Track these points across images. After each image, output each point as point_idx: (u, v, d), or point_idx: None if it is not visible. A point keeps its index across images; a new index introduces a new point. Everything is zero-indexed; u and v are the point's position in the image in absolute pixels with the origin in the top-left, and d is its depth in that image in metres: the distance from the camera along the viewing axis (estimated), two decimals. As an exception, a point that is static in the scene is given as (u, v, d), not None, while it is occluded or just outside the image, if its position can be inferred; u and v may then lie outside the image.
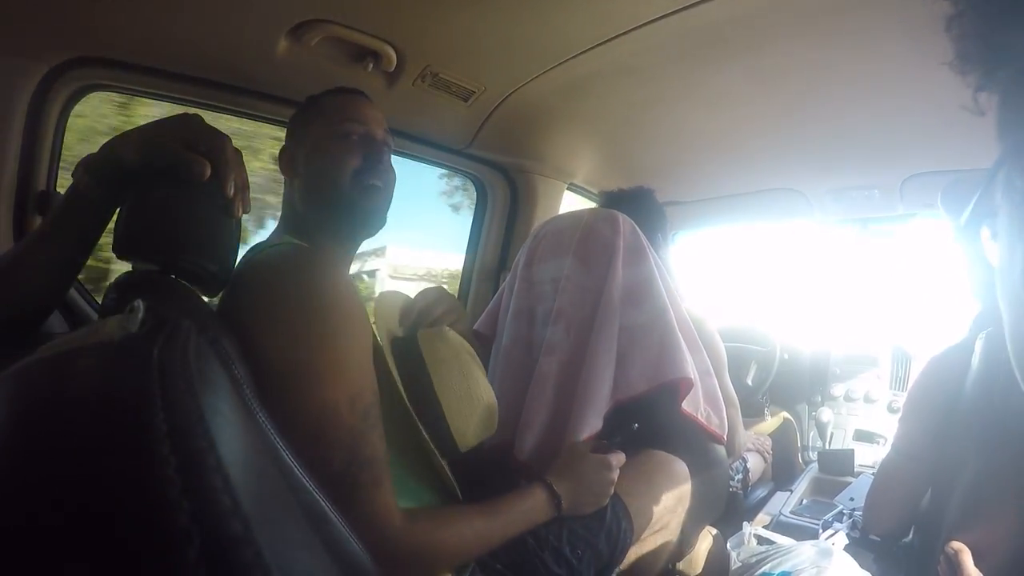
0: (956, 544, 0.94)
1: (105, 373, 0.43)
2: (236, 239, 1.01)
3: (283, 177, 1.28)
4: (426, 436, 1.09)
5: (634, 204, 1.79)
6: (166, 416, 0.30)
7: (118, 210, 0.93)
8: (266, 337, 0.90)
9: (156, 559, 0.23)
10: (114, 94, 1.53)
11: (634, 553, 1.34)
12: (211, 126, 0.92)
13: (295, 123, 1.29)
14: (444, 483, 1.13)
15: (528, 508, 1.15)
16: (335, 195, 1.19)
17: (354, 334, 0.96)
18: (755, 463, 2.09)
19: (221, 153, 0.89)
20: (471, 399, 1.19)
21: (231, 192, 0.90)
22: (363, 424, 0.92)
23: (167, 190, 0.90)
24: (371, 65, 1.46)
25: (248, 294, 0.97)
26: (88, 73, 1.32)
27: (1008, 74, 0.39)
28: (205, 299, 1.03)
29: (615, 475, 1.25)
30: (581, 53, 1.48)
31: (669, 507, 1.40)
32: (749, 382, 2.44)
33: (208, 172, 0.87)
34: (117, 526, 0.25)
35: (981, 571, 0.92)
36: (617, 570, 1.28)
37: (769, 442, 2.29)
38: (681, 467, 1.45)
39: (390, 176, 1.27)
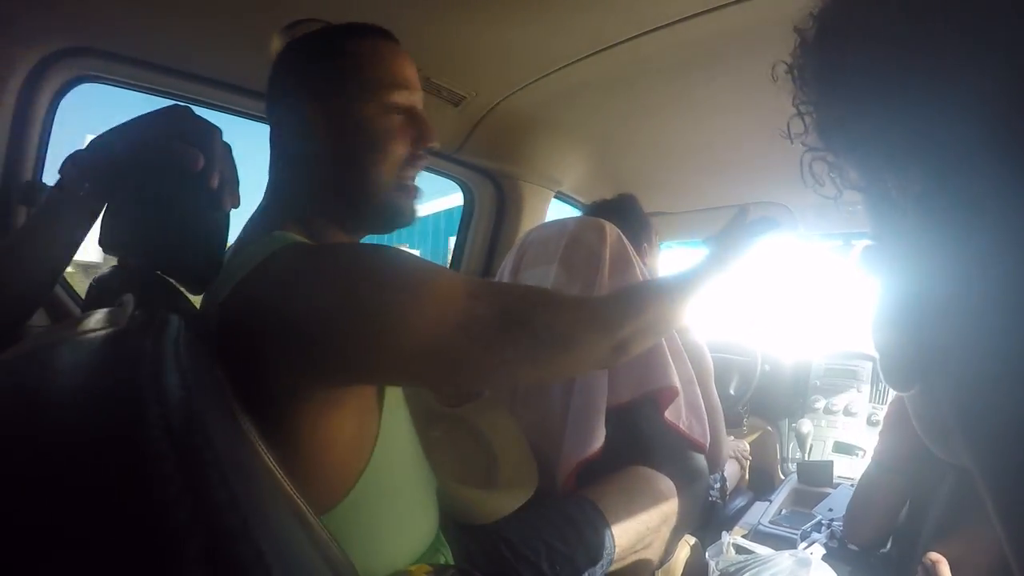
0: (934, 555, 0.95)
1: (95, 366, 0.42)
2: (224, 235, 0.99)
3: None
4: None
5: (618, 213, 1.79)
6: (162, 411, 0.30)
7: (106, 205, 0.92)
8: (316, 320, 0.80)
9: (156, 557, 0.23)
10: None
11: (615, 571, 1.33)
12: (202, 117, 0.91)
13: (307, 66, 1.00)
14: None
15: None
16: (371, 193, 0.98)
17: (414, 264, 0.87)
18: (732, 470, 2.10)
19: (211, 145, 0.88)
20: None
21: (215, 184, 0.89)
22: (474, 296, 0.85)
23: (155, 184, 0.89)
24: (363, 67, 1.45)
25: (268, 298, 0.85)
26: (80, 63, 1.31)
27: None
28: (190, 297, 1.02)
29: None
30: (573, 63, 1.49)
31: (653, 527, 1.38)
32: (732, 391, 2.45)
33: (201, 162, 0.86)
34: (116, 522, 0.24)
35: None
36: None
37: (747, 447, 2.30)
38: (666, 484, 1.44)
39: None
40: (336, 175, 0.99)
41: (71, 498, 0.26)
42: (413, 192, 1.01)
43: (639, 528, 1.34)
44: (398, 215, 1.01)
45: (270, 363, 0.81)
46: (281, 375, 0.81)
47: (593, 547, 1.23)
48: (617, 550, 1.28)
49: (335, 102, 0.97)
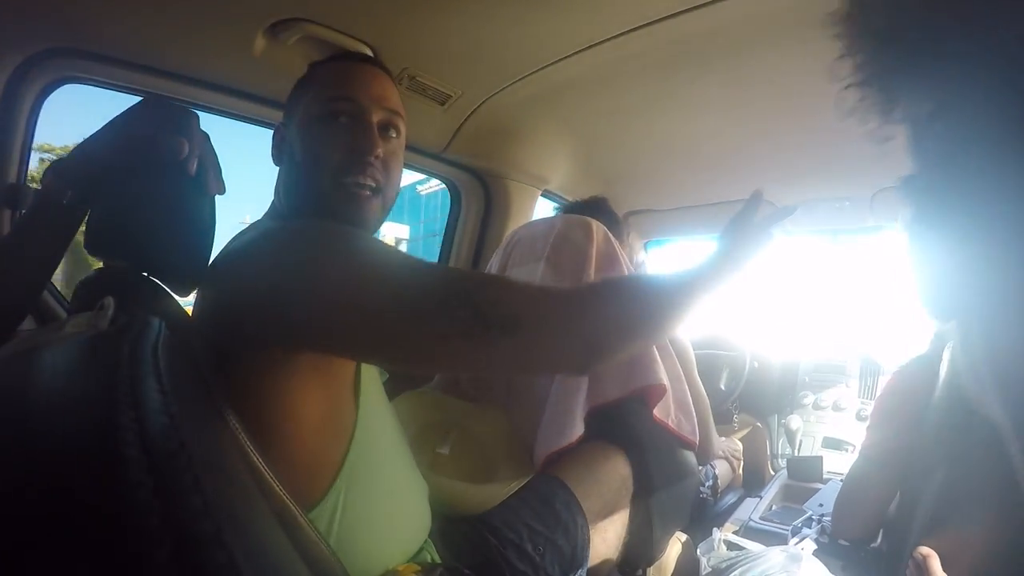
0: (924, 549, 0.95)
1: (73, 370, 0.41)
2: (210, 237, 0.99)
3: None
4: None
5: (590, 213, 1.78)
6: (136, 415, 0.29)
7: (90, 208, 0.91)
8: (282, 285, 0.80)
9: (125, 561, 0.22)
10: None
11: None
12: (179, 104, 0.91)
13: (291, 95, 1.09)
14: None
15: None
16: (311, 195, 1.00)
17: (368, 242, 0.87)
18: (723, 470, 2.10)
19: (190, 131, 0.88)
20: None
21: (194, 169, 0.89)
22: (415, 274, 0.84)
23: (140, 181, 0.88)
24: (349, 66, 1.45)
25: (240, 264, 0.88)
26: (63, 64, 1.30)
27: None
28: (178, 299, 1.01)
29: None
30: (558, 60, 1.49)
31: (614, 489, 1.40)
32: (722, 387, 2.46)
33: (186, 149, 0.86)
34: (85, 527, 0.24)
35: None
36: (585, 568, 1.28)
37: (739, 447, 2.30)
38: (615, 450, 1.44)
39: (389, 174, 1.06)
40: (288, 180, 1.05)
41: (40, 501, 0.26)
42: (354, 196, 1.01)
43: (602, 493, 1.37)
44: (339, 217, 1.00)
45: (225, 323, 0.83)
46: (233, 335, 0.83)
47: (569, 527, 1.25)
48: (589, 517, 1.30)
49: (294, 117, 1.05)
